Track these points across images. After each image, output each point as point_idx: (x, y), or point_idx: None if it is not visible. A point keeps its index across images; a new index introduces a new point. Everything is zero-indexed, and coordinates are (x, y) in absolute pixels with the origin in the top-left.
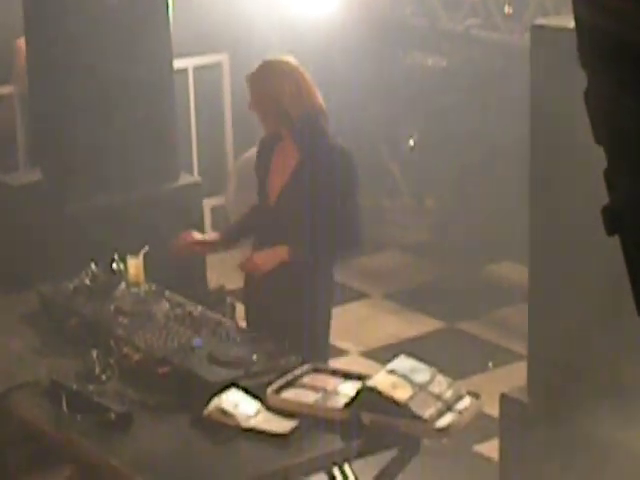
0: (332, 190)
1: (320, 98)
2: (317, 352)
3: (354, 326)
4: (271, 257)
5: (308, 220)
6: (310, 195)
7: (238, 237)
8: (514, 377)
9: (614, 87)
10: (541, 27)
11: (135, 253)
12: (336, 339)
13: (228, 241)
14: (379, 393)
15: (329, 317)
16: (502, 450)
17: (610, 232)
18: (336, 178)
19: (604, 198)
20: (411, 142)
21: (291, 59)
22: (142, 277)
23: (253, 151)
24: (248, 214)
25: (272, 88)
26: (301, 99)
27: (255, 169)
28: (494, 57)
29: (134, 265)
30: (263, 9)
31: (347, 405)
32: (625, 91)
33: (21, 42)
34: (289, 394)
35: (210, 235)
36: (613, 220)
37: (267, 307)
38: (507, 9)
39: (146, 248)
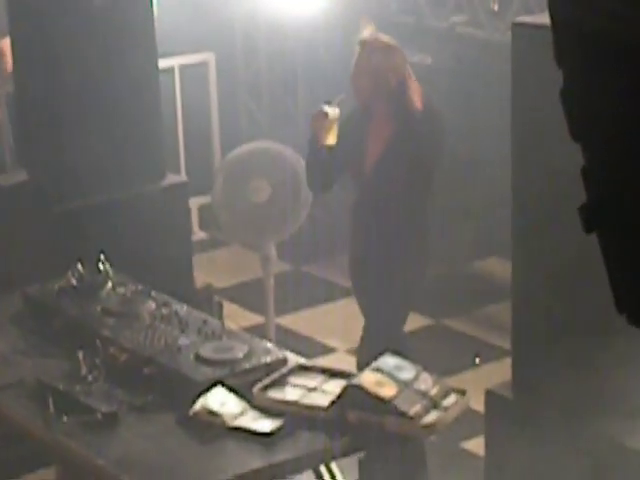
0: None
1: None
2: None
3: (340, 323)
4: None
5: (405, 186)
6: (406, 161)
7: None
8: (501, 373)
9: (591, 85)
10: (521, 24)
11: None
12: (323, 337)
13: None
14: (364, 391)
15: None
16: (487, 446)
17: (588, 230)
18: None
19: (583, 194)
20: None
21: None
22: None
23: (240, 149)
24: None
25: (387, 62)
26: (404, 73)
27: (343, 142)
28: (479, 54)
29: (331, 116)
30: (248, 8)
31: (333, 403)
32: (602, 88)
33: (5, 42)
34: (275, 393)
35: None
36: (591, 218)
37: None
38: (492, 5)
39: (342, 95)
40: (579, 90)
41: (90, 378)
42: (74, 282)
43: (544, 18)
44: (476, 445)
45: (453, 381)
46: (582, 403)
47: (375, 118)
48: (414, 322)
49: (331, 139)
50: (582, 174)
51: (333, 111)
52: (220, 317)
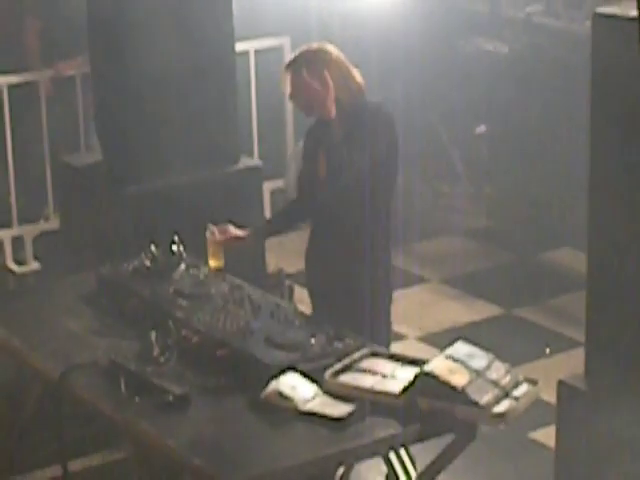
0: (376, 157)
1: (359, 77)
2: (378, 336)
3: (412, 311)
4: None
5: (359, 195)
6: (358, 166)
7: (277, 230)
8: (572, 364)
9: None
10: (602, 15)
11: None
12: (394, 323)
13: (265, 234)
14: (436, 378)
15: (389, 300)
16: (558, 437)
17: None
18: (380, 142)
19: None
20: (482, 128)
21: (328, 45)
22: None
23: None
24: (288, 209)
25: (315, 76)
26: (344, 82)
27: (304, 158)
28: (555, 44)
29: (210, 240)
30: None
31: (404, 390)
32: None
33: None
34: (347, 378)
35: (245, 231)
36: None
37: (329, 291)
38: None
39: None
40: None
41: (162, 359)
42: (148, 263)
43: (625, 9)
44: (544, 435)
45: (523, 371)
46: None
47: (327, 133)
48: (485, 311)
49: (213, 262)
50: None
51: (211, 235)
52: (291, 301)
